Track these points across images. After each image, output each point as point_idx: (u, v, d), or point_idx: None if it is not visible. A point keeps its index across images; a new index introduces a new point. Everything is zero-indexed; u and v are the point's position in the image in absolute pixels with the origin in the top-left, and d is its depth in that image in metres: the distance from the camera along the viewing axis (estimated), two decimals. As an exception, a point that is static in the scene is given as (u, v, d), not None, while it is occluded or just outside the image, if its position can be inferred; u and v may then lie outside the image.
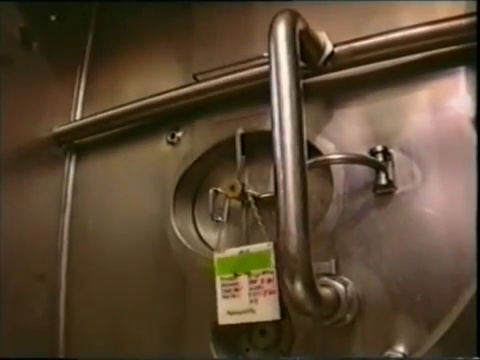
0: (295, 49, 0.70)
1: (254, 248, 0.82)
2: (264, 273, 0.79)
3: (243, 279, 0.81)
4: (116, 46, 1.21)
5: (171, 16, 1.14)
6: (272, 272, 0.78)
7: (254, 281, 0.80)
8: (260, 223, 0.85)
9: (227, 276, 0.83)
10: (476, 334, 0.57)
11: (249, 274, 0.81)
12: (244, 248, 0.83)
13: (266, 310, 0.78)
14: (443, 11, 0.78)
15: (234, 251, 0.84)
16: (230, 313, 0.81)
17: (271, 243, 0.80)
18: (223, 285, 0.83)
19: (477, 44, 0.68)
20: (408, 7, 0.83)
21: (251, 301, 0.79)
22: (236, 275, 0.82)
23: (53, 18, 1.19)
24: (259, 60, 0.88)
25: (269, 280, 0.78)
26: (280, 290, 0.77)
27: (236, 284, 0.82)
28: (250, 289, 0.80)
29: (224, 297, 0.82)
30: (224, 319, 0.82)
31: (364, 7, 0.87)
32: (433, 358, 0.68)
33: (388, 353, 0.72)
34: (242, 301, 0.80)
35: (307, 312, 0.66)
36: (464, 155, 0.74)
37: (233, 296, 0.82)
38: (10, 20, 1.08)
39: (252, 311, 0.79)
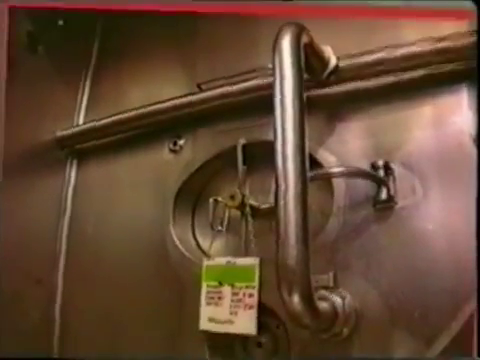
0: (300, 63, 0.70)
1: (241, 261, 0.83)
2: (247, 287, 0.80)
3: (227, 289, 0.82)
4: (121, 52, 1.21)
5: (176, 24, 1.14)
6: (254, 287, 0.79)
7: (236, 293, 0.81)
8: (252, 237, 0.86)
9: (213, 284, 0.84)
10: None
11: (233, 286, 0.82)
12: (232, 259, 0.84)
13: (243, 323, 0.79)
14: (447, 28, 0.79)
15: (221, 261, 0.85)
16: (211, 320, 0.82)
17: (257, 259, 0.80)
18: (208, 292, 0.84)
19: (477, 61, 0.68)
20: (412, 23, 0.84)
21: (231, 312, 0.80)
22: (221, 284, 0.83)
23: (60, 23, 1.20)
24: (263, 71, 0.89)
25: (250, 295, 0.79)
26: (259, 306, 0.78)
27: (220, 293, 0.83)
28: (231, 301, 0.81)
29: (207, 304, 0.83)
30: (205, 325, 0.83)
31: (369, 22, 0.87)
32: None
33: (385, 368, 0.71)
34: (223, 310, 0.81)
35: (304, 325, 0.65)
36: (465, 171, 0.73)
37: (216, 304, 0.82)
38: (17, 23, 1.09)
39: (231, 322, 0.80)
